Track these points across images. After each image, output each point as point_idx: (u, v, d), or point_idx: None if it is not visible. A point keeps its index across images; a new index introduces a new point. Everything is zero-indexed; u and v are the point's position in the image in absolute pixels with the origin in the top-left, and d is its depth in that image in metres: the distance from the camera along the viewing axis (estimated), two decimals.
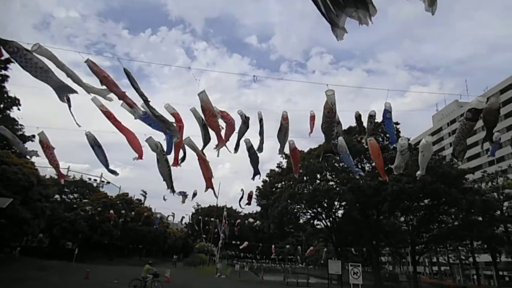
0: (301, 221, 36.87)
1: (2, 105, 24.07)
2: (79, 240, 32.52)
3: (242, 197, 34.03)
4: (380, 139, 30.48)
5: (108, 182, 49.10)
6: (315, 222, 36.87)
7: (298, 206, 32.04)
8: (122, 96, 6.83)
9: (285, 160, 34.21)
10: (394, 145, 9.57)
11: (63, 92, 6.76)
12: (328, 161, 29.25)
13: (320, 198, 28.82)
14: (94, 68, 6.66)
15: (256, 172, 11.32)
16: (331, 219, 34.52)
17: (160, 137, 8.81)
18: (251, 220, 45.25)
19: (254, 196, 34.88)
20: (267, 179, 36.81)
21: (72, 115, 8.45)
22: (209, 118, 7.51)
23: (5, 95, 24.36)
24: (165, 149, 8.37)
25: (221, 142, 8.05)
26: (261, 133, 9.73)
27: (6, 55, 6.34)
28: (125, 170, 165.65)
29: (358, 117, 10.46)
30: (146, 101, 7.04)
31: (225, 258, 58.00)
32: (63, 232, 31.97)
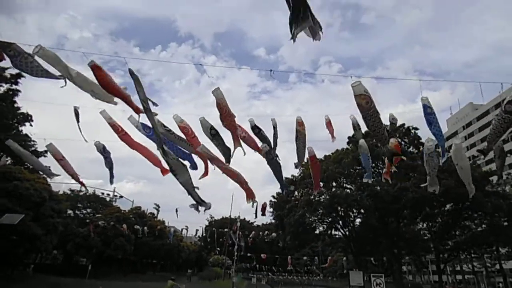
0: (317, 231, 35.80)
1: (14, 121, 24.07)
2: (93, 255, 32.08)
3: (256, 209, 33.35)
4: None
5: (121, 197, 48.90)
6: (332, 231, 35.79)
7: (315, 215, 31.09)
8: (126, 98, 6.36)
9: (300, 169, 33.37)
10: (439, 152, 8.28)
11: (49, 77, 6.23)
12: (344, 167, 28.39)
13: (338, 205, 27.88)
14: (97, 73, 6.14)
15: (283, 184, 10.57)
16: (349, 227, 33.38)
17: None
18: (266, 232, 44.13)
19: (268, 207, 34.11)
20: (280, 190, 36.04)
21: (80, 129, 8.27)
22: (225, 117, 6.91)
23: (17, 111, 24.39)
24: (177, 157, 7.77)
25: (237, 143, 7.41)
26: (275, 141, 9.11)
27: (8, 61, 6.04)
28: (138, 184, 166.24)
29: (392, 119, 9.82)
30: (148, 109, 6.44)
31: (240, 271, 56.79)
32: (76, 248, 31.58)
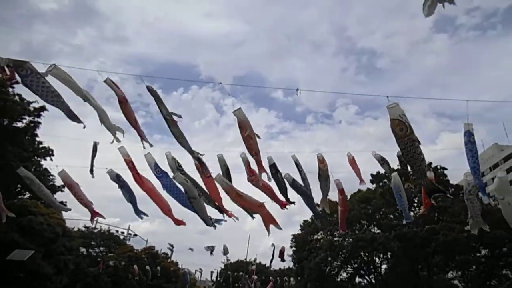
0: (339, 277, 33.31)
1: (35, 155, 24.21)
2: None
3: (273, 254, 31.64)
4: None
5: (135, 235, 47.94)
6: (357, 279, 33.21)
7: (338, 260, 29.00)
8: (134, 124, 6.09)
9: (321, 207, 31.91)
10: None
11: (74, 119, 6.27)
12: (374, 207, 26.78)
13: (362, 249, 25.97)
14: (114, 88, 5.94)
15: (317, 213, 10.07)
16: (375, 274, 30.89)
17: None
18: (285, 278, 41.64)
19: (287, 252, 32.38)
20: (299, 231, 34.29)
21: (92, 163, 8.21)
22: (246, 139, 6.35)
23: (38, 145, 24.63)
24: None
25: (261, 170, 6.76)
26: (303, 175, 8.66)
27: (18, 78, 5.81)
28: (153, 223, 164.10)
29: (400, 157, 9.07)
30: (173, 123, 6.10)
31: None
32: None
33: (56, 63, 5.56)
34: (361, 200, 27.50)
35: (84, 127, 6.34)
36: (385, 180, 29.35)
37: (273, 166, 8.08)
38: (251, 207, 8.14)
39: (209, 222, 7.65)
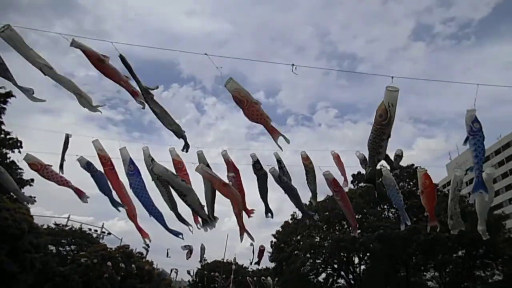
0: (320, 278, 33.10)
1: (1, 147, 22.61)
2: None
3: (253, 253, 31.06)
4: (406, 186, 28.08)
5: (109, 233, 45.85)
6: (335, 279, 33.04)
7: (318, 261, 28.67)
8: (124, 82, 5.24)
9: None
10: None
11: (29, 94, 5.42)
12: (356, 208, 26.60)
13: (343, 249, 25.76)
14: (85, 48, 5.09)
15: (305, 211, 9.56)
16: (353, 275, 30.83)
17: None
18: (262, 278, 41.05)
19: (266, 251, 31.90)
20: (280, 229, 33.80)
21: (63, 157, 7.45)
22: (248, 109, 5.65)
23: (6, 136, 23.04)
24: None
25: (276, 134, 6.06)
26: (285, 171, 8.37)
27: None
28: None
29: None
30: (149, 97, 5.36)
31: None
32: None
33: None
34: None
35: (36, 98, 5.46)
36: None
37: (257, 162, 7.86)
38: (236, 199, 7.55)
39: (206, 217, 6.89)
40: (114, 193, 7.67)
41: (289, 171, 8.59)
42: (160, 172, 6.19)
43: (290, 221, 33.42)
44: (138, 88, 5.30)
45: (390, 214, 29.24)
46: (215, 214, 7.51)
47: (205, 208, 7.00)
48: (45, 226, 33.55)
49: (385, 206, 29.83)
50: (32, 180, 25.68)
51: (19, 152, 25.13)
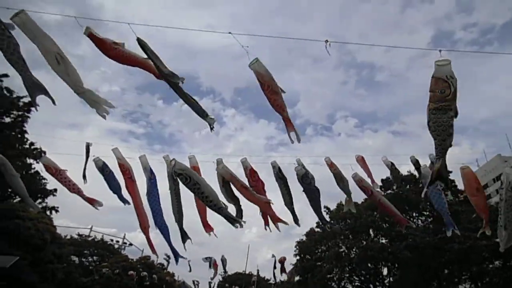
0: None
1: (26, 156, 22.95)
2: None
3: (275, 265, 30.32)
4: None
5: (131, 244, 46.14)
6: None
7: (344, 272, 27.44)
8: (142, 64, 4.84)
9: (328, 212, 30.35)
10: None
11: (36, 91, 5.01)
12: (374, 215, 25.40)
13: (371, 259, 24.50)
14: (98, 37, 4.76)
15: (322, 218, 9.14)
16: (381, 286, 29.34)
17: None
18: None
19: (290, 261, 31.02)
20: (304, 237, 32.67)
21: (85, 167, 7.46)
22: (271, 94, 5.29)
23: (31, 147, 23.42)
24: None
25: (291, 128, 5.69)
26: (310, 176, 7.81)
27: None
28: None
29: (416, 163, 8.87)
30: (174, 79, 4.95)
31: None
32: None
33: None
34: (369, 208, 26.14)
35: (54, 104, 5.07)
36: (394, 187, 28.20)
37: (279, 171, 7.61)
38: (257, 202, 7.19)
39: (232, 220, 6.39)
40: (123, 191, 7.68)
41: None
42: (182, 168, 5.98)
43: (315, 229, 32.38)
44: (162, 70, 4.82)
45: (420, 222, 27.83)
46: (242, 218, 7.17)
47: (229, 208, 6.60)
48: (68, 237, 33.88)
49: (414, 214, 28.42)
50: (55, 190, 25.94)
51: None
